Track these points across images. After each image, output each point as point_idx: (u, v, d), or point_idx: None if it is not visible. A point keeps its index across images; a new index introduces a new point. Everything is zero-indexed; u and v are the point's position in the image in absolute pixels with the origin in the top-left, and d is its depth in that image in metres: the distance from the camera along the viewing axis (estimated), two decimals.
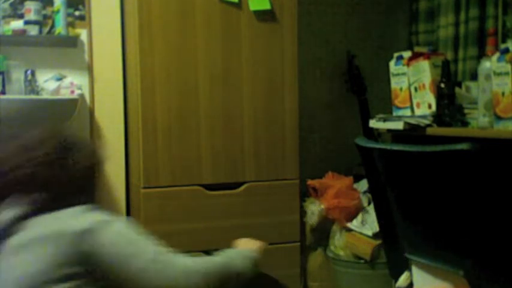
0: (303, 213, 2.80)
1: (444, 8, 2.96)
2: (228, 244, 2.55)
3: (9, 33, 2.55)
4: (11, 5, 2.62)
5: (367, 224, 2.66)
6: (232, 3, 2.52)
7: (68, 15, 2.66)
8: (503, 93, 1.80)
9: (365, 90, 3.16)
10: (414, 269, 1.89)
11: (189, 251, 2.48)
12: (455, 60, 2.86)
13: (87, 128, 2.73)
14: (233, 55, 2.54)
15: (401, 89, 2.27)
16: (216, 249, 2.53)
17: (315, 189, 2.86)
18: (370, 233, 2.61)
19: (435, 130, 2.06)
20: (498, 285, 1.61)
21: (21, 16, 2.60)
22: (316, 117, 3.23)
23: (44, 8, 2.63)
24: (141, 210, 2.46)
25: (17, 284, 1.11)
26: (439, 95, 2.09)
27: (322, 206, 2.76)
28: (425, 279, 1.83)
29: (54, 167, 1.24)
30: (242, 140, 2.57)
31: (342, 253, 2.71)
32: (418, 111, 2.20)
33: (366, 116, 2.96)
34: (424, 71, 2.17)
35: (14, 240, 1.16)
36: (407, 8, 3.30)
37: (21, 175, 1.22)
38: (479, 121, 1.91)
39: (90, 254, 1.15)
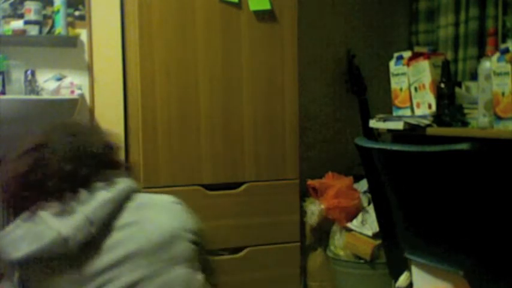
0: (303, 213, 2.80)
1: (444, 8, 2.96)
2: (227, 244, 2.56)
3: (9, 33, 2.55)
4: (11, 5, 2.62)
5: (367, 224, 2.66)
6: (232, 3, 2.52)
7: (68, 15, 2.66)
8: (503, 93, 1.80)
9: (365, 90, 3.16)
10: (414, 269, 1.89)
11: None
12: (455, 60, 2.86)
13: None
14: (233, 55, 2.54)
15: (401, 89, 2.27)
16: (216, 249, 2.54)
17: (315, 189, 2.86)
18: (370, 233, 2.61)
19: (435, 130, 2.06)
20: (498, 285, 1.61)
21: (21, 16, 2.60)
22: (316, 117, 3.23)
23: (44, 8, 2.63)
24: None
25: (160, 233, 1.19)
26: (439, 95, 2.09)
27: (322, 206, 2.76)
28: (425, 279, 1.83)
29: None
30: (242, 140, 2.57)
31: (342, 253, 2.71)
32: (418, 111, 2.20)
33: (366, 116, 2.96)
34: (424, 71, 2.17)
35: (134, 203, 1.22)
36: (407, 8, 3.30)
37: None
38: (479, 121, 1.91)
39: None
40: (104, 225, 1.15)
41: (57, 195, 1.16)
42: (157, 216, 1.23)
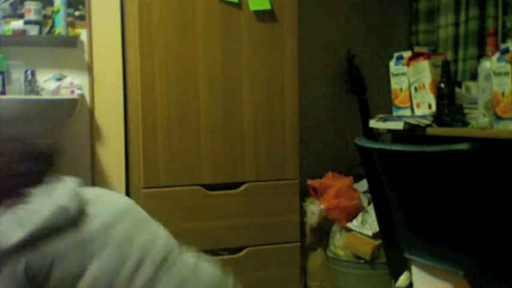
0: (303, 213, 2.80)
1: (444, 8, 2.96)
2: (227, 244, 2.56)
3: (9, 33, 2.55)
4: (11, 5, 2.62)
5: (367, 224, 2.66)
6: (232, 3, 2.52)
7: (68, 15, 2.66)
8: (503, 93, 1.80)
9: (365, 90, 3.16)
10: (414, 269, 1.89)
11: None
12: (455, 60, 2.86)
13: (87, 128, 2.74)
14: (233, 55, 2.54)
15: (401, 89, 2.27)
16: (216, 249, 2.54)
17: (315, 189, 2.86)
18: (370, 233, 2.61)
19: (435, 130, 2.06)
20: (498, 285, 1.61)
21: (21, 16, 2.60)
22: (316, 118, 3.23)
23: (44, 8, 2.63)
24: None
25: (123, 202, 1.37)
26: (439, 95, 2.09)
27: (322, 206, 2.76)
28: (425, 279, 1.84)
29: None
30: (242, 140, 2.57)
31: (342, 253, 2.71)
32: (418, 111, 2.20)
33: (366, 116, 2.96)
34: (424, 71, 2.17)
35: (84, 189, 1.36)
36: (407, 8, 3.30)
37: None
38: (479, 121, 1.91)
39: None
40: (82, 198, 1.27)
41: (16, 193, 1.23)
42: (107, 193, 1.41)
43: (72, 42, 2.70)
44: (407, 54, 2.28)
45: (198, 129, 2.50)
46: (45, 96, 2.57)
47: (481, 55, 2.57)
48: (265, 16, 2.58)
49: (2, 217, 1.18)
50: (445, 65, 2.11)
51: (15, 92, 2.53)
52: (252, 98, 2.57)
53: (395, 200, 1.85)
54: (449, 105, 2.06)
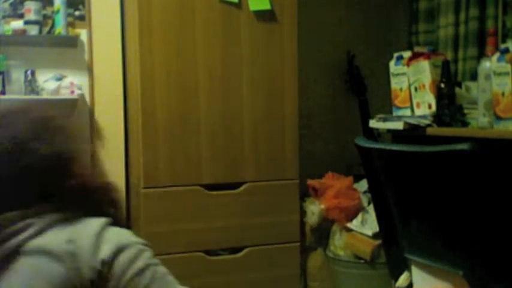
0: (303, 213, 2.80)
1: (444, 8, 2.96)
2: (227, 244, 2.56)
3: (9, 33, 2.55)
4: (11, 5, 2.62)
5: (367, 224, 2.66)
6: (232, 3, 2.52)
7: (68, 15, 2.66)
8: (503, 93, 1.80)
9: (365, 90, 3.16)
10: (414, 269, 1.89)
11: (189, 251, 2.49)
12: (455, 60, 2.86)
13: (87, 128, 2.73)
14: (233, 55, 2.54)
15: (401, 89, 2.27)
16: (216, 249, 2.54)
17: (315, 189, 2.86)
18: (370, 233, 2.61)
19: (435, 130, 2.06)
20: (498, 285, 1.61)
21: (21, 16, 2.60)
22: (316, 118, 3.23)
23: (44, 8, 2.63)
24: (141, 210, 2.46)
25: None
26: (439, 95, 2.09)
27: (322, 206, 2.76)
28: (425, 279, 1.84)
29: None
30: (242, 140, 2.57)
31: (342, 253, 2.71)
32: (418, 111, 2.20)
33: (366, 116, 2.96)
34: (424, 71, 2.17)
35: None
36: (407, 8, 3.30)
37: None
38: (479, 121, 1.91)
39: None
40: None
41: None
42: None
43: (72, 42, 2.70)
44: (407, 54, 2.28)
45: (198, 129, 2.50)
46: (45, 96, 2.57)
47: (481, 55, 2.57)
48: (265, 16, 2.58)
49: None
50: (445, 65, 2.11)
51: (15, 92, 2.53)
52: (252, 98, 2.57)
53: (395, 200, 1.85)
54: (449, 105, 2.06)
